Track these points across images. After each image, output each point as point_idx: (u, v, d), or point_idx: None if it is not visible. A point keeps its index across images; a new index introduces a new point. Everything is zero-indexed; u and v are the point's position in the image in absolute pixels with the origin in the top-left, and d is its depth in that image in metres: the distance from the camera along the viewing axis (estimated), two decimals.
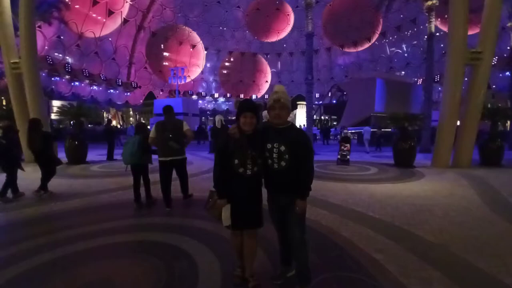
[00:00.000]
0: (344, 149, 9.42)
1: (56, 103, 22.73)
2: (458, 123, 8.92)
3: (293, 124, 2.25)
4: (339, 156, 9.53)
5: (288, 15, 32.46)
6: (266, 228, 2.32)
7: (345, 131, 10.76)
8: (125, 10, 31.18)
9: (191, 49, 35.88)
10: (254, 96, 44.27)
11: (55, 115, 18.37)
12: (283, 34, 34.11)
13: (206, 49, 41.38)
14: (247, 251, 2.26)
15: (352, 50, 33.27)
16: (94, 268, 2.64)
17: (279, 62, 47.59)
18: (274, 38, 34.74)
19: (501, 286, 2.32)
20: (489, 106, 9.66)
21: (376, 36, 30.99)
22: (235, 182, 2.11)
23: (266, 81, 45.37)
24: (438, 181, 6.70)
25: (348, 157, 9.37)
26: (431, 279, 2.41)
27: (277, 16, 31.76)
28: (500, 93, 26.63)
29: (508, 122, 16.33)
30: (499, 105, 10.25)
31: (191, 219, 4.05)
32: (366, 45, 31.13)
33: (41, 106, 9.68)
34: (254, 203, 2.19)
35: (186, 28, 35.91)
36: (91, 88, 32.16)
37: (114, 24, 30.19)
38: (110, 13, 29.24)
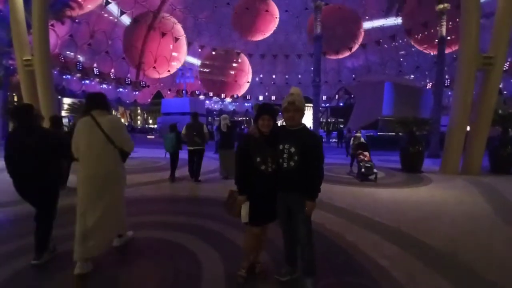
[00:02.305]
0: (365, 159, 7.30)
1: (67, 101, 23.15)
2: (468, 129, 8.76)
3: (305, 126, 2.30)
4: (362, 170, 7.10)
5: (276, 18, 33.54)
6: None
7: (358, 134, 8.46)
8: None
9: (174, 42, 34.49)
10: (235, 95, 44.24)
11: (65, 112, 18.69)
12: (267, 34, 35.35)
13: (214, 50, 41.66)
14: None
15: (333, 57, 36.66)
16: (97, 266, 2.61)
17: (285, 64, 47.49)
18: (259, 38, 35.88)
19: None
20: (500, 112, 9.45)
21: (356, 46, 35.26)
22: (256, 179, 2.22)
23: (248, 81, 44.76)
24: (447, 187, 6.58)
25: (375, 170, 7.07)
26: None
27: (265, 17, 32.63)
28: None
29: None
30: (510, 111, 10.00)
31: (196, 218, 4.07)
32: (347, 54, 35.83)
33: (53, 103, 9.87)
34: (272, 200, 2.30)
35: (171, 18, 34.68)
36: (101, 86, 32.74)
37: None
38: None
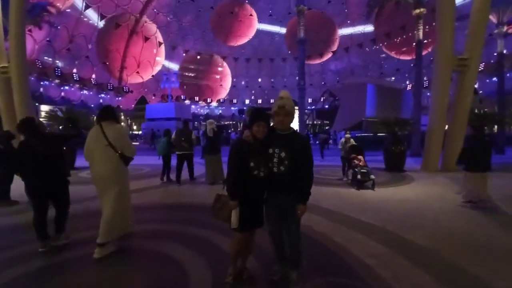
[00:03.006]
0: (360, 164, 6.59)
1: (44, 108, 22.26)
2: (447, 127, 9.11)
3: (295, 131, 2.35)
4: (358, 177, 6.31)
5: (254, 19, 34.21)
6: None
7: (347, 135, 7.79)
8: None
9: (144, 42, 33.51)
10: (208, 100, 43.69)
11: (43, 120, 17.95)
12: (245, 40, 36.03)
13: (198, 54, 41.42)
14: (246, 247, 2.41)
15: (317, 61, 38.02)
16: (82, 276, 2.58)
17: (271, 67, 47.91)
18: (236, 43, 36.49)
19: None
20: (476, 111, 9.90)
21: (329, 53, 37.19)
22: (249, 184, 2.21)
23: (234, 86, 44.73)
24: (429, 185, 6.79)
25: (372, 176, 6.34)
26: (423, 284, 2.41)
27: (250, 21, 33.37)
28: (487, 98, 27.42)
29: (495, 126, 16.81)
30: (486, 110, 10.50)
31: (182, 225, 3.98)
32: (318, 60, 37.57)
33: (29, 110, 9.46)
34: (262, 204, 2.33)
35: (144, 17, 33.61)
36: (82, 92, 31.73)
37: None
38: None
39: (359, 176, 6.32)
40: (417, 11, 14.58)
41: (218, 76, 42.93)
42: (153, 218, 4.37)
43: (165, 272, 2.64)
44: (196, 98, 42.91)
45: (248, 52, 46.13)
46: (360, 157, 6.83)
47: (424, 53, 16.47)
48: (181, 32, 40.80)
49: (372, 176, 6.34)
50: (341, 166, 7.77)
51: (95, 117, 3.25)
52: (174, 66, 41.80)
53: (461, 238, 3.45)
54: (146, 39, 32.84)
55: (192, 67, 40.70)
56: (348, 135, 7.79)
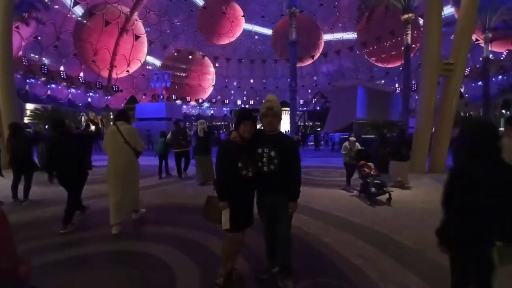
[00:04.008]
0: (372, 173, 5.50)
1: (30, 106, 21.64)
2: (434, 130, 9.33)
3: (282, 132, 2.47)
4: (372, 189, 5.18)
5: (241, 20, 34.54)
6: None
7: (352, 138, 6.67)
8: None
9: (135, 41, 33.18)
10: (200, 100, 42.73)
11: (28, 119, 17.44)
12: (232, 39, 36.35)
13: (190, 54, 41.11)
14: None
15: (300, 64, 37.68)
16: (68, 279, 2.53)
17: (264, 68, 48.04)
18: (225, 42, 36.70)
19: None
20: (461, 114, 10.19)
21: (318, 54, 37.92)
22: (237, 184, 2.23)
23: (213, 85, 43.68)
24: (416, 186, 6.93)
25: (389, 188, 5.34)
26: (408, 284, 2.47)
27: (231, 21, 33.68)
28: (473, 102, 28.29)
29: None
30: (471, 113, 10.84)
31: (171, 227, 3.94)
32: (309, 62, 38.14)
33: (14, 109, 9.20)
34: (251, 204, 2.35)
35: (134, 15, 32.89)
36: (69, 91, 30.98)
37: None
38: None
39: (373, 189, 5.16)
40: (406, 16, 14.94)
41: (197, 75, 41.18)
42: (141, 219, 4.30)
43: (152, 274, 2.61)
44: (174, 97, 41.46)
45: (240, 53, 46.14)
46: (370, 164, 5.72)
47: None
48: (172, 31, 40.45)
49: (390, 189, 5.23)
50: (333, 167, 7.67)
51: (112, 119, 4.17)
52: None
53: None
54: (122, 30, 31.91)
55: (170, 64, 38.95)
56: (353, 138, 6.69)
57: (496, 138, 1.57)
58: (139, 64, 35.80)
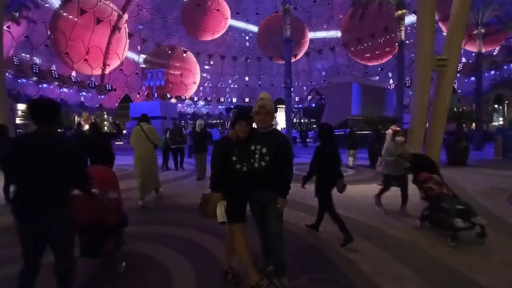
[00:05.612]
0: (444, 192, 3.59)
1: (21, 107, 21.29)
2: (428, 125, 9.42)
3: (275, 129, 2.47)
4: (459, 223, 3.10)
5: (226, 18, 34.44)
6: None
7: (399, 138, 4.63)
8: None
9: (118, 33, 31.68)
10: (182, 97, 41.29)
11: (19, 120, 17.16)
12: (217, 35, 36.31)
13: (184, 52, 40.79)
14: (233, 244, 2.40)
15: (281, 62, 37.26)
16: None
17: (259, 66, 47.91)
18: (208, 38, 36.60)
19: (470, 283, 2.42)
20: (455, 109, 10.30)
21: (301, 53, 38.05)
22: (231, 177, 2.27)
23: (194, 82, 41.67)
24: (410, 181, 6.98)
25: (479, 218, 3.17)
26: (401, 277, 2.49)
27: (216, 16, 33.67)
28: (466, 97, 28.62)
29: (473, 124, 17.54)
30: (464, 108, 10.96)
31: (166, 226, 3.92)
32: (293, 60, 36.91)
33: (5, 109, 9.06)
34: (245, 199, 2.37)
35: (110, 4, 31.03)
36: (61, 90, 30.55)
37: None
38: None
39: (459, 222, 3.10)
40: (399, 12, 14.98)
41: (178, 72, 39.00)
42: (135, 219, 4.25)
43: (148, 274, 2.59)
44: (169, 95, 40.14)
45: (235, 51, 45.93)
46: (436, 177, 3.84)
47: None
48: (165, 29, 40.07)
49: (479, 219, 3.15)
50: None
51: (138, 122, 5.11)
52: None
53: (439, 232, 3.57)
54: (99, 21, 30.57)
55: (151, 60, 37.84)
56: (401, 138, 4.57)
57: (332, 132, 3.47)
58: (118, 61, 34.33)
